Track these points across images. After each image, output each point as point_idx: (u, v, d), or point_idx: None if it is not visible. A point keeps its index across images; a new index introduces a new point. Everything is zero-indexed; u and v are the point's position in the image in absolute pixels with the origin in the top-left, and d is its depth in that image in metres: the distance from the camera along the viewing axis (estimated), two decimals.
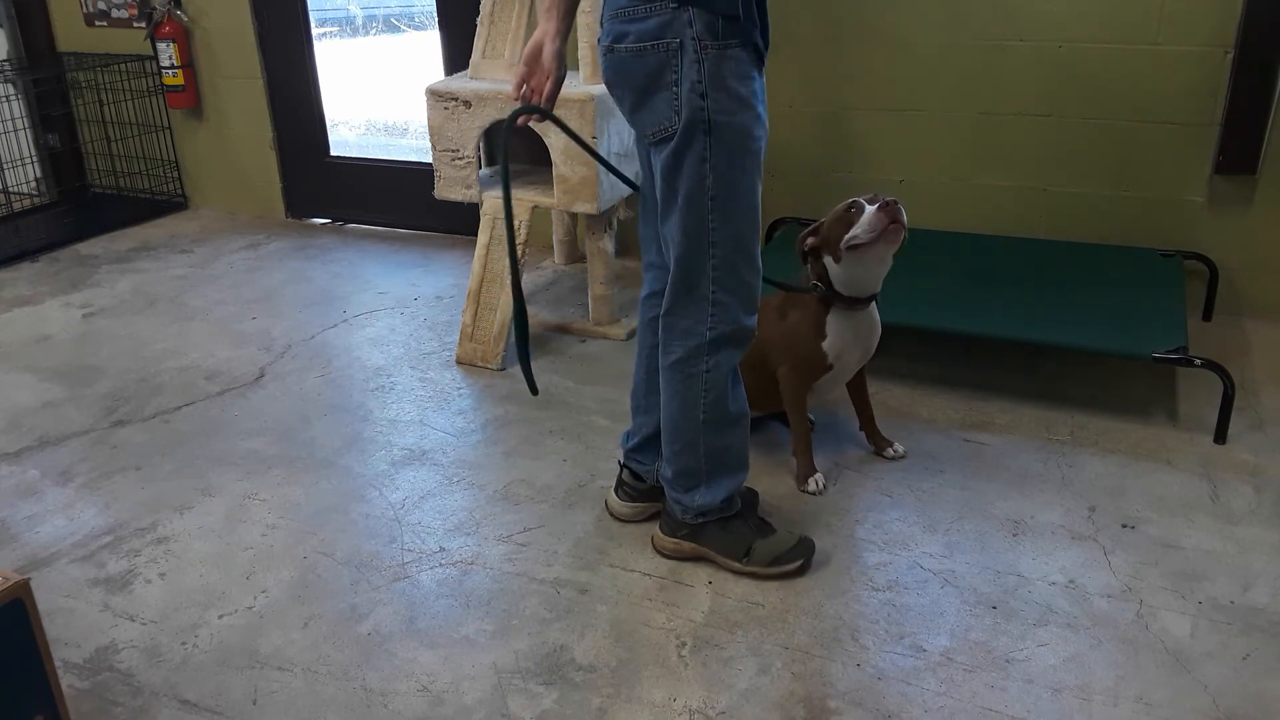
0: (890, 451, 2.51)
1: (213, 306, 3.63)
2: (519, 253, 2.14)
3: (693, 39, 1.80)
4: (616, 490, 2.32)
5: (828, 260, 2.29)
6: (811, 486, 2.38)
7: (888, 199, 2.20)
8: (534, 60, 2.00)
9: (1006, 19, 3.18)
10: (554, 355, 3.15)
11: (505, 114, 3.05)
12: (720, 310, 1.94)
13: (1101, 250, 3.20)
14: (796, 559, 2.10)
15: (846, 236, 2.23)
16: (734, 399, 2.04)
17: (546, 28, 1.98)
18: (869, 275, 2.30)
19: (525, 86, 2.03)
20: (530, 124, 2.12)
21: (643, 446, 2.25)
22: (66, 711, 1.62)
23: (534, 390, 2.17)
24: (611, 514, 2.33)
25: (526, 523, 2.33)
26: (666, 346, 2.01)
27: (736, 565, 2.11)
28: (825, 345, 2.33)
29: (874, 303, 2.37)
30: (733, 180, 1.87)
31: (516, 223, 3.12)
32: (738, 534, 2.11)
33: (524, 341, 2.11)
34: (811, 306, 2.34)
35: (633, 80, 1.88)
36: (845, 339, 2.34)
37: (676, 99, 1.84)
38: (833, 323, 2.33)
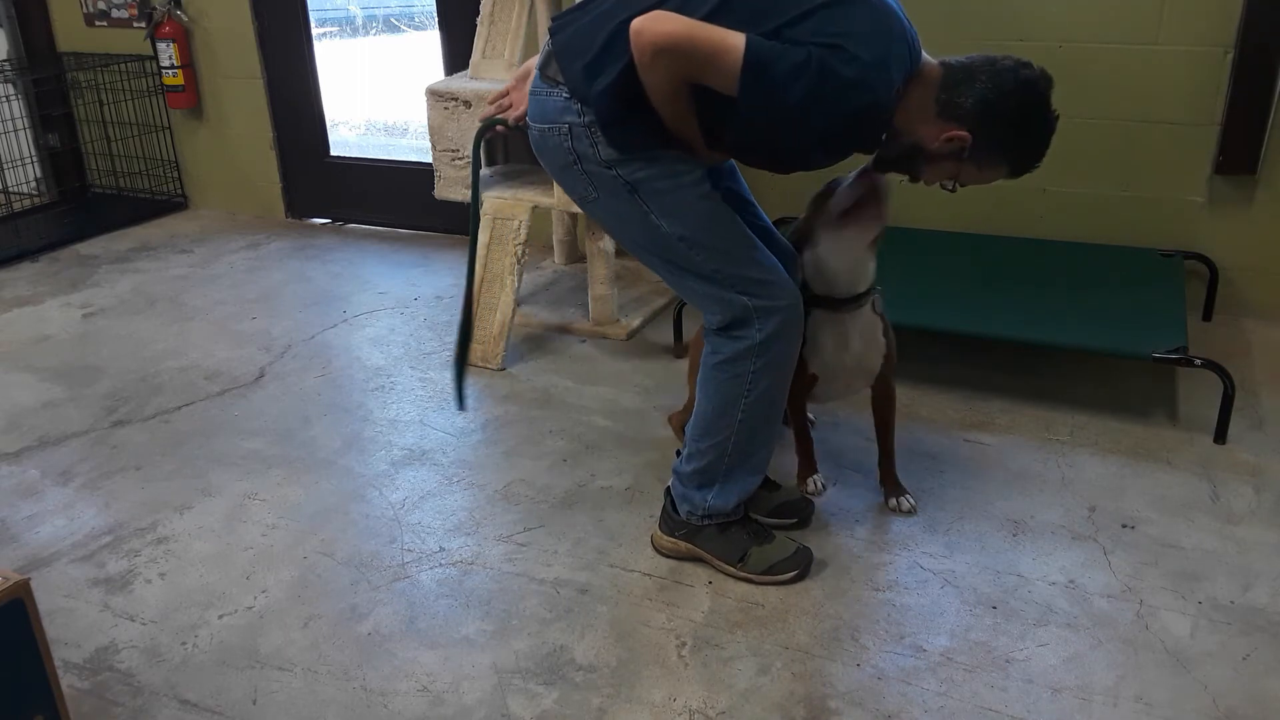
0: (894, 503, 2.31)
1: (213, 306, 3.63)
2: (477, 263, 2.27)
3: (584, 125, 1.86)
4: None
5: (806, 255, 2.12)
6: (810, 487, 2.37)
7: (851, 180, 2.06)
8: (522, 81, 2.11)
9: (1006, 19, 3.18)
10: (554, 355, 3.15)
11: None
12: (765, 314, 1.93)
13: (1101, 250, 3.20)
14: (791, 569, 2.09)
15: (831, 204, 2.06)
16: (776, 397, 2.03)
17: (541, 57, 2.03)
18: (845, 265, 2.09)
19: (505, 99, 2.16)
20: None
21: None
22: (66, 711, 1.62)
23: (461, 405, 2.25)
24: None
25: (526, 523, 2.33)
26: (715, 349, 2.00)
27: (731, 570, 2.11)
28: (804, 351, 2.13)
29: (871, 309, 2.16)
30: (688, 215, 1.90)
31: (516, 223, 3.12)
32: (735, 539, 2.11)
33: (464, 353, 2.23)
34: None
35: (545, 157, 1.98)
36: (828, 345, 2.16)
37: (584, 174, 1.92)
38: (813, 327, 2.13)
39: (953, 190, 1.95)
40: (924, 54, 1.89)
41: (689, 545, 2.14)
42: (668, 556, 2.18)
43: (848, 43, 1.71)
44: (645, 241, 1.96)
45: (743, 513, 2.13)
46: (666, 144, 1.87)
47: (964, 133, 1.82)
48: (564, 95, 1.88)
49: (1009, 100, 1.83)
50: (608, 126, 1.85)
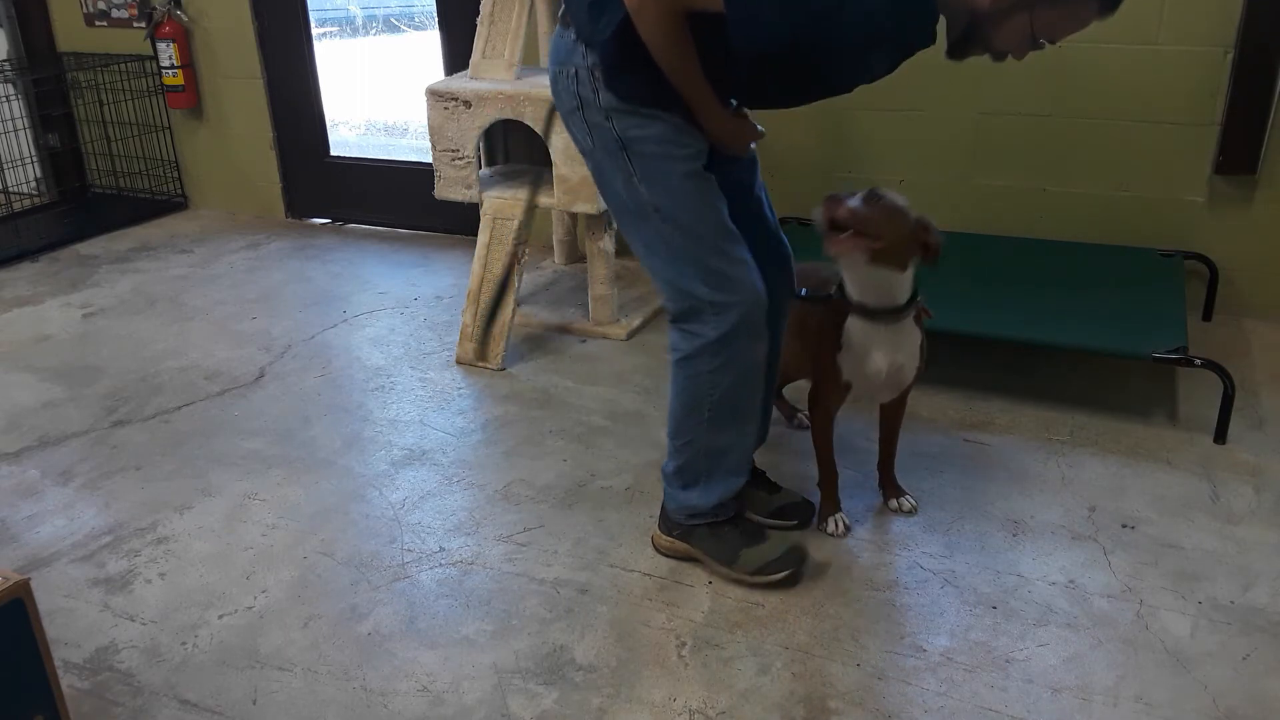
0: (895, 504, 2.31)
1: (213, 306, 3.63)
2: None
3: (587, 69, 1.83)
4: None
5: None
6: (829, 527, 2.24)
7: (836, 196, 1.96)
8: None
9: None
10: (554, 355, 3.15)
11: (505, 114, 3.05)
12: (721, 309, 1.90)
13: (1101, 250, 3.20)
14: (784, 569, 2.06)
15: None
16: (743, 399, 2.00)
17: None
18: (870, 282, 2.05)
19: None
20: None
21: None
22: (66, 711, 1.61)
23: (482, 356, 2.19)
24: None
25: (526, 523, 2.33)
26: (673, 345, 1.99)
27: (724, 570, 2.10)
28: (840, 357, 2.12)
29: (912, 323, 2.11)
30: (668, 187, 1.87)
31: (516, 223, 3.12)
32: (727, 539, 2.09)
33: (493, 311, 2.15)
34: (829, 315, 2.14)
35: (556, 101, 1.95)
36: (863, 353, 2.10)
37: (585, 121, 1.88)
38: (850, 332, 2.10)
39: (1050, 45, 1.71)
40: None
41: (685, 545, 2.14)
42: (667, 556, 2.18)
43: None
44: (625, 203, 1.92)
45: (731, 512, 2.11)
46: (669, 106, 1.82)
47: None
48: (573, 37, 1.85)
49: None
50: (610, 69, 1.81)
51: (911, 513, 2.30)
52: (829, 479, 2.27)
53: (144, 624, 2.05)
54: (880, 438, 2.33)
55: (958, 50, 1.76)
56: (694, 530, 2.12)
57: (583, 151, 1.97)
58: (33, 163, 4.71)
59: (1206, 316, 3.19)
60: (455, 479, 2.51)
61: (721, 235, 1.90)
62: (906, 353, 2.13)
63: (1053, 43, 1.70)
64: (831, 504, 2.27)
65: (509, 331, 3.09)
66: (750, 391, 2.01)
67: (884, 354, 2.11)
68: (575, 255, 3.86)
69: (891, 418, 2.30)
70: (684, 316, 1.94)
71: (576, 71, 1.85)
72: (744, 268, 1.91)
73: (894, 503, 2.32)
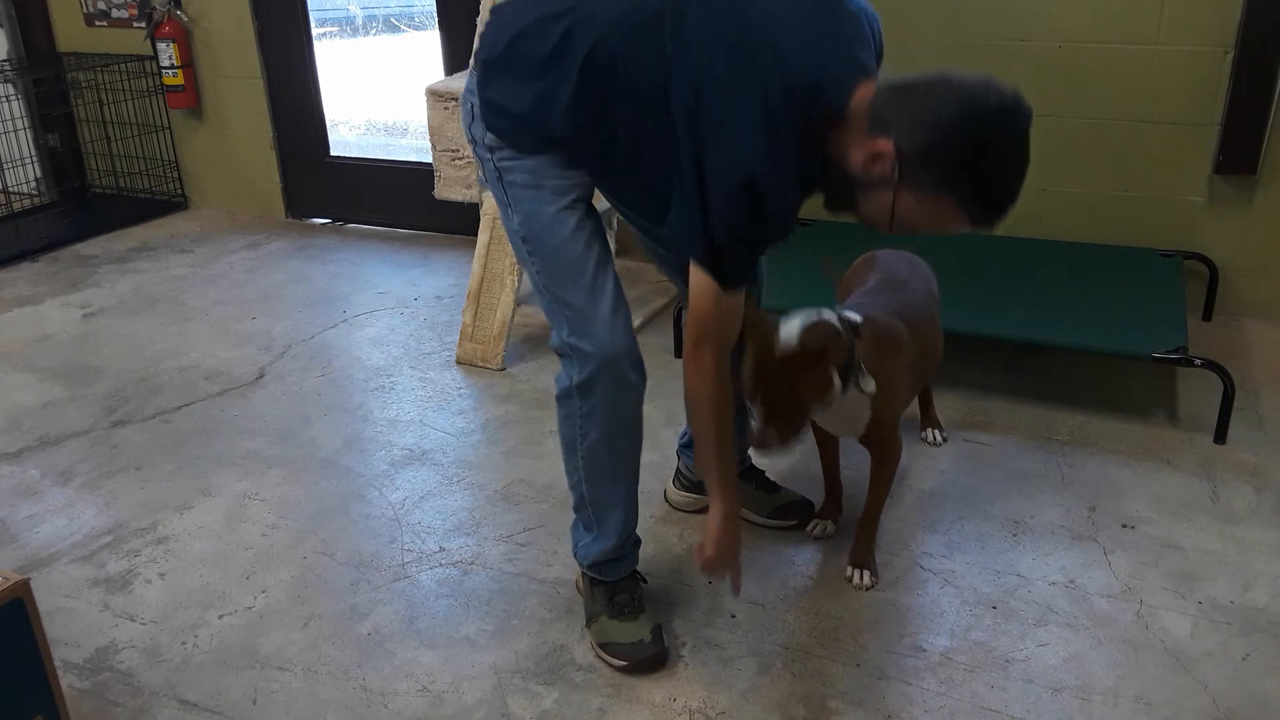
0: (849, 573, 2.11)
1: (213, 306, 3.63)
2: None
3: (478, 105, 1.79)
4: (674, 480, 2.37)
5: None
6: (809, 525, 2.25)
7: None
8: None
9: (1006, 19, 3.17)
10: (554, 355, 3.14)
11: None
12: (581, 356, 1.79)
13: (1101, 250, 3.20)
14: (624, 658, 1.89)
15: None
16: (617, 454, 1.88)
17: None
18: None
19: None
20: None
21: (689, 444, 2.27)
22: (66, 711, 1.62)
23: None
24: (668, 502, 2.36)
25: (526, 523, 2.33)
26: (556, 379, 1.88)
27: (586, 626, 1.99)
28: None
29: (846, 401, 1.96)
30: (532, 217, 1.79)
31: None
32: (596, 599, 1.96)
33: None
34: None
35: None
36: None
37: (477, 157, 1.86)
38: None
39: (903, 232, 1.66)
40: (874, 73, 1.67)
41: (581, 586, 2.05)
42: (578, 589, 2.08)
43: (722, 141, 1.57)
44: (507, 231, 1.87)
45: (612, 576, 1.96)
46: (542, 150, 1.76)
47: (886, 143, 1.54)
48: (470, 66, 1.81)
49: (952, 117, 1.52)
50: (488, 113, 1.77)
51: (859, 588, 2.09)
52: (830, 487, 2.28)
53: (144, 624, 2.05)
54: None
55: (831, 206, 1.74)
56: (585, 576, 2.00)
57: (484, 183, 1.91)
58: (33, 163, 4.71)
59: (1206, 316, 3.19)
60: (455, 479, 2.51)
61: (588, 280, 1.79)
62: (850, 419, 2.04)
63: (914, 233, 1.65)
64: (828, 509, 2.27)
65: (509, 331, 3.10)
66: (623, 448, 1.88)
67: (826, 420, 2.08)
68: None
69: (871, 465, 2.14)
70: (559, 353, 1.85)
71: (473, 107, 1.80)
72: (607, 316, 1.79)
73: (849, 571, 2.12)
